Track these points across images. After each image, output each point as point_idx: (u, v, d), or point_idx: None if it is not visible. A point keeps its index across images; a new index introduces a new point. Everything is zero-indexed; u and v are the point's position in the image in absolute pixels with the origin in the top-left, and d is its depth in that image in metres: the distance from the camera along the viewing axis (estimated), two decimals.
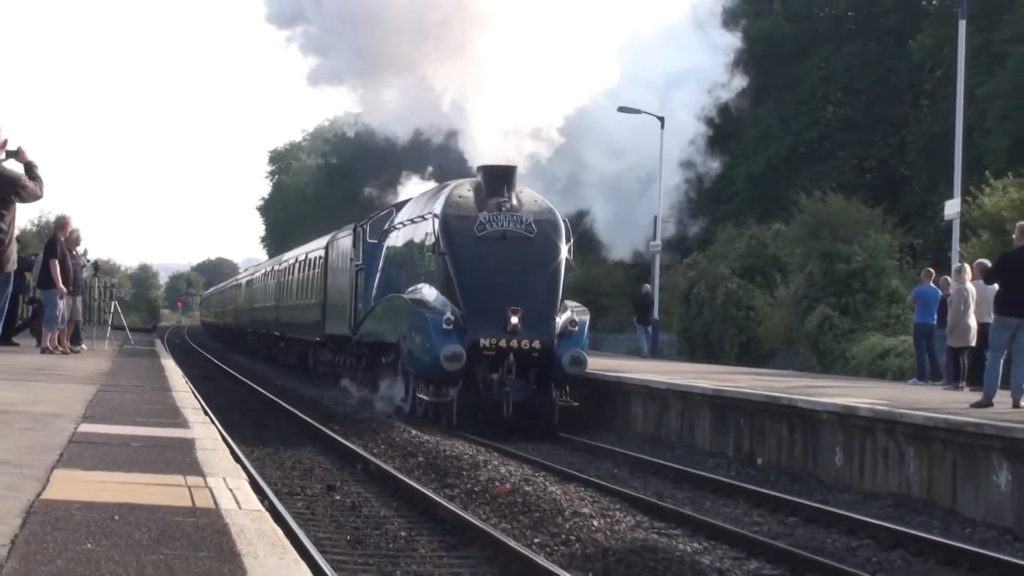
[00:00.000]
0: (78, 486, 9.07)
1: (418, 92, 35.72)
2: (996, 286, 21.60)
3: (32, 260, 30.28)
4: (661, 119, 49.77)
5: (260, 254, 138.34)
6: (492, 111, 31.77)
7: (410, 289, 30.14)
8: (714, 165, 59.94)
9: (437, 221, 28.82)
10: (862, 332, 40.45)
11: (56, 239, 28.83)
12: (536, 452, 24.28)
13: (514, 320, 27.04)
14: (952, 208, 35.04)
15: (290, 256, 56.06)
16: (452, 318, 27.15)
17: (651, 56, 53.13)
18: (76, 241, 30.19)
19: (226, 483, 9.78)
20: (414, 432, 25.32)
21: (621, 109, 48.21)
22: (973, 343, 25.55)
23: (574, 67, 31.81)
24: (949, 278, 28.79)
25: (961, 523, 17.12)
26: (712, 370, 36.25)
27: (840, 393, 24.10)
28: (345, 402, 34.04)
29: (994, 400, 20.19)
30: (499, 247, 28.30)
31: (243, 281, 77.63)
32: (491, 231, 28.39)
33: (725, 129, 61.66)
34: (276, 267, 60.17)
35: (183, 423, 14.55)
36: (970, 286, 25.38)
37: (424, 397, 28.00)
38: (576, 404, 27.80)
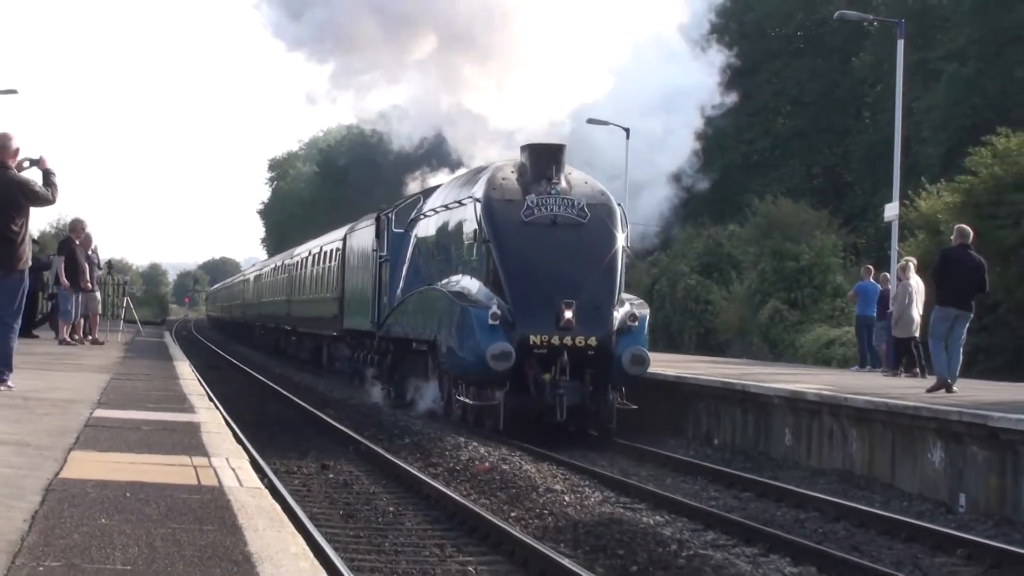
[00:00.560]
0: (93, 466, 9.06)
1: (423, 99, 33.65)
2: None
3: (49, 260, 30.25)
4: (627, 130, 49.63)
5: (261, 253, 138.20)
6: (493, 128, 29.83)
7: (443, 281, 25.86)
8: (704, 183, 58.87)
9: (479, 206, 24.12)
10: (809, 324, 40.68)
11: (68, 240, 28.90)
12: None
13: (568, 314, 22.63)
14: (891, 211, 35.16)
15: (302, 250, 51.65)
16: (499, 312, 22.66)
17: (636, 76, 52.45)
18: (88, 242, 30.17)
19: (229, 463, 9.79)
20: (400, 417, 25.24)
21: (590, 121, 48.13)
22: (916, 334, 25.63)
23: (570, 81, 28.87)
24: (888, 274, 28.89)
25: (899, 497, 17.17)
26: (673, 359, 36.28)
27: (789, 379, 24.18)
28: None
29: (950, 381, 20.33)
30: (549, 234, 23.65)
31: (251, 277, 74.78)
32: (540, 216, 23.73)
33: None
34: (287, 262, 55.84)
35: (189, 408, 14.54)
36: (914, 282, 25.43)
37: (465, 400, 23.67)
38: (635, 407, 23.33)
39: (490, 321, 22.47)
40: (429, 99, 33.88)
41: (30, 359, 20.17)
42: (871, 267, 31.50)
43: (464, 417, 24.21)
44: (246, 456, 10.96)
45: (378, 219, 32.04)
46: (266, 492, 8.64)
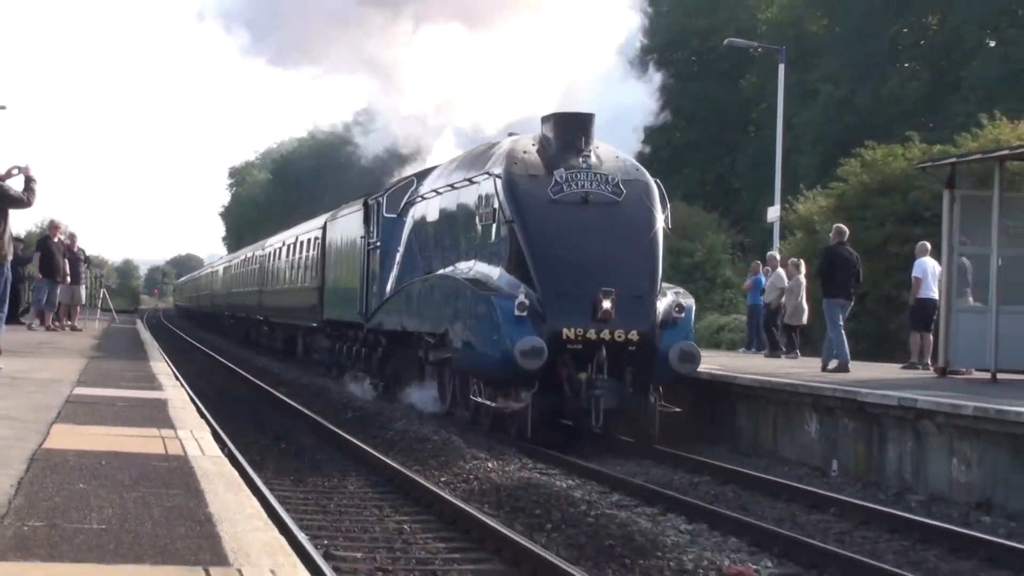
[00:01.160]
0: (73, 437, 9.02)
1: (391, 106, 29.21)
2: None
3: (31, 256, 30.01)
4: None
5: (222, 250, 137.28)
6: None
7: (450, 268, 20.90)
8: None
9: (499, 182, 18.99)
10: (702, 312, 40.84)
11: (46, 238, 28.73)
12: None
13: (606, 305, 17.63)
14: (773, 213, 35.60)
15: (275, 240, 45.63)
16: (526, 303, 17.63)
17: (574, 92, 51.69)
18: (73, 240, 30.01)
19: (193, 435, 9.76)
20: (346, 392, 25.03)
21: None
22: (805, 322, 25.91)
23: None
24: (765, 265, 29.04)
25: (781, 463, 17.31)
26: None
27: None
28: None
29: (849, 366, 20.56)
30: (581, 213, 18.62)
31: (219, 268, 71.00)
32: (569, 193, 18.68)
33: None
34: (257, 253, 50.16)
35: (158, 387, 14.48)
36: (802, 278, 25.60)
37: (487, 402, 18.61)
38: (679, 409, 18.52)
39: (516, 312, 17.54)
40: (391, 106, 30.09)
41: (16, 344, 19.97)
42: (759, 262, 31.77)
43: (476, 419, 19.72)
44: (208, 429, 10.93)
45: (366, 204, 26.77)
46: (225, 460, 8.63)
